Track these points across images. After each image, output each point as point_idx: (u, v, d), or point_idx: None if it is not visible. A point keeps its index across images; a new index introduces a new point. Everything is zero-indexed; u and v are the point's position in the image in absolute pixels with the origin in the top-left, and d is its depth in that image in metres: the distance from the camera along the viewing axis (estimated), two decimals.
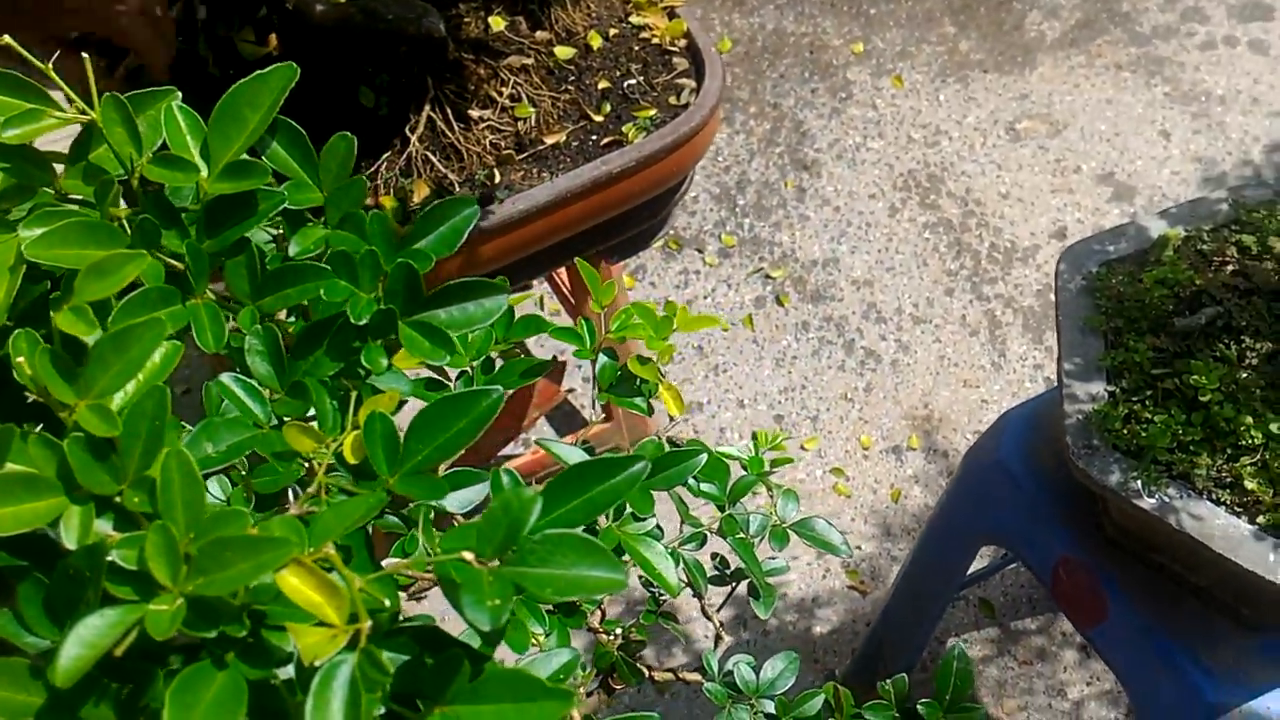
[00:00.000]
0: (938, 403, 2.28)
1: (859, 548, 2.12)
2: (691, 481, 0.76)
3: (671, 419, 0.84)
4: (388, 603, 0.39)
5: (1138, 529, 1.33)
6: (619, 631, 0.79)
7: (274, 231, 0.55)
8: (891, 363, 2.32)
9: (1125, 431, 1.23)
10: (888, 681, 0.80)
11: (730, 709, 0.80)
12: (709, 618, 0.84)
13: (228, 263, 0.49)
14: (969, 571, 2.03)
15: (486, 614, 0.39)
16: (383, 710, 0.43)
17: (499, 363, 0.78)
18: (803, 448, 2.22)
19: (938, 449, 2.23)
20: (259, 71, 0.48)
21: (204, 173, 0.48)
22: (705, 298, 2.41)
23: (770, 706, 0.79)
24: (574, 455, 0.66)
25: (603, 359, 0.76)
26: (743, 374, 2.32)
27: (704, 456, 0.72)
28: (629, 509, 0.70)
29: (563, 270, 1.86)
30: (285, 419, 0.47)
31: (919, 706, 0.79)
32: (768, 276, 2.43)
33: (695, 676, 0.83)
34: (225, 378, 0.48)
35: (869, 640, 1.89)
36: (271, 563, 0.38)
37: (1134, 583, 1.34)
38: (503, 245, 1.45)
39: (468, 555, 0.41)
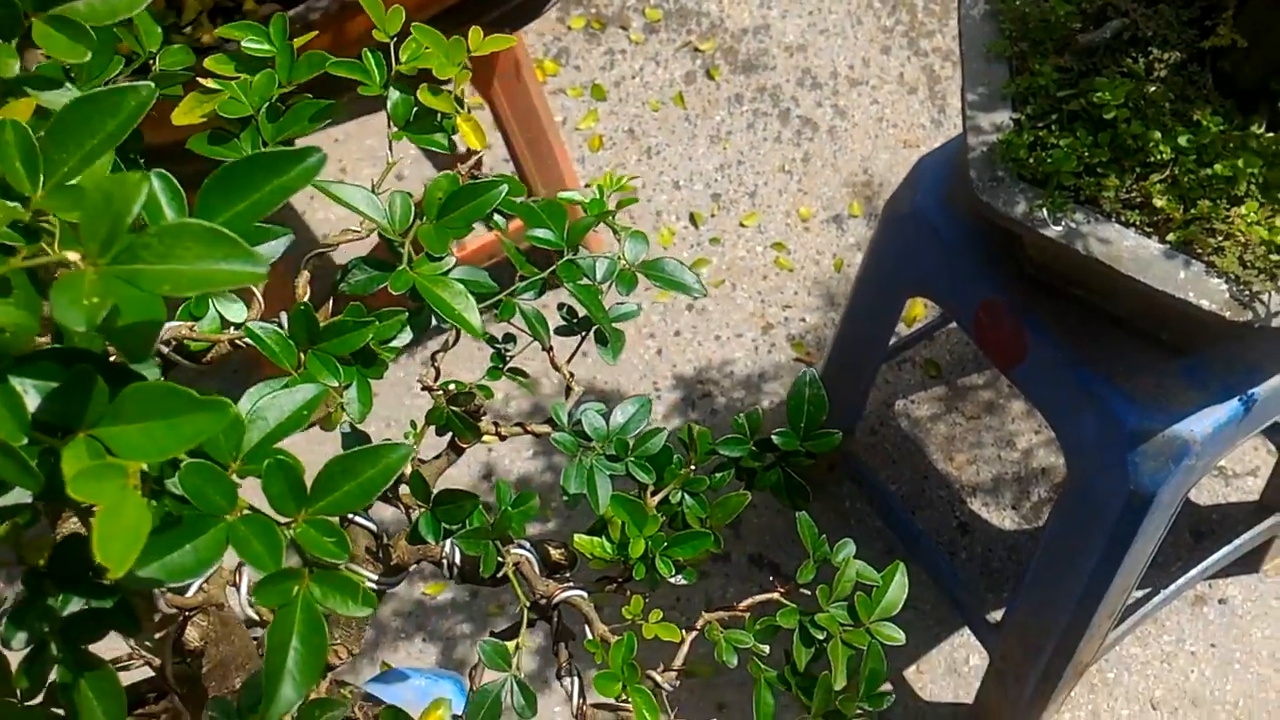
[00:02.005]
0: (877, 166, 2.21)
1: (803, 320, 2.09)
2: (499, 219, 0.71)
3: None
4: None
5: (1054, 263, 1.28)
6: (452, 387, 0.75)
7: None
8: (829, 130, 2.24)
9: (1031, 160, 1.17)
10: (741, 415, 0.76)
11: (580, 458, 0.77)
12: (558, 369, 0.80)
13: None
14: (912, 332, 2.00)
15: (81, 313, 0.34)
16: (26, 440, 0.39)
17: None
18: (742, 224, 2.17)
19: (879, 214, 2.17)
20: None
21: None
22: (633, 77, 2.32)
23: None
24: (357, 197, 0.61)
25: (394, 94, 0.69)
26: (676, 154, 2.25)
27: (504, 187, 0.66)
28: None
29: None
30: None
31: (774, 436, 0.76)
32: (696, 49, 2.33)
33: (544, 429, 0.79)
34: None
35: None
36: None
37: (1053, 318, 1.31)
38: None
39: (72, 255, 0.36)
